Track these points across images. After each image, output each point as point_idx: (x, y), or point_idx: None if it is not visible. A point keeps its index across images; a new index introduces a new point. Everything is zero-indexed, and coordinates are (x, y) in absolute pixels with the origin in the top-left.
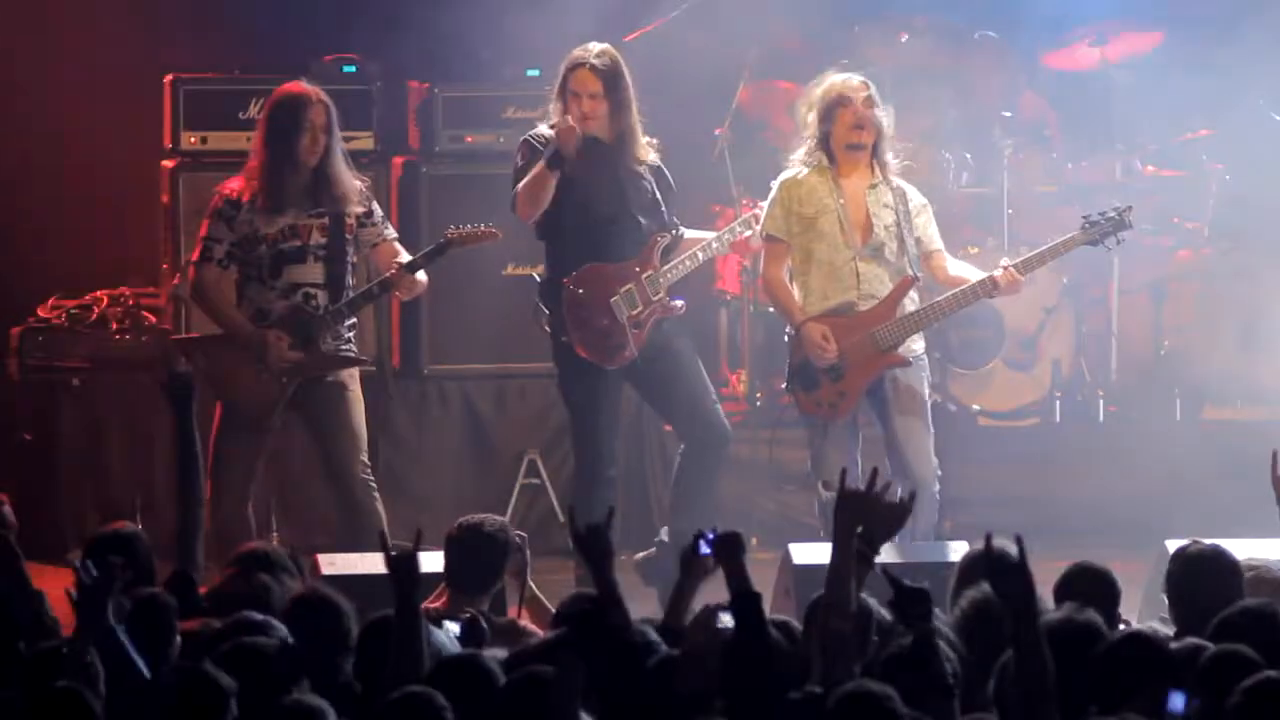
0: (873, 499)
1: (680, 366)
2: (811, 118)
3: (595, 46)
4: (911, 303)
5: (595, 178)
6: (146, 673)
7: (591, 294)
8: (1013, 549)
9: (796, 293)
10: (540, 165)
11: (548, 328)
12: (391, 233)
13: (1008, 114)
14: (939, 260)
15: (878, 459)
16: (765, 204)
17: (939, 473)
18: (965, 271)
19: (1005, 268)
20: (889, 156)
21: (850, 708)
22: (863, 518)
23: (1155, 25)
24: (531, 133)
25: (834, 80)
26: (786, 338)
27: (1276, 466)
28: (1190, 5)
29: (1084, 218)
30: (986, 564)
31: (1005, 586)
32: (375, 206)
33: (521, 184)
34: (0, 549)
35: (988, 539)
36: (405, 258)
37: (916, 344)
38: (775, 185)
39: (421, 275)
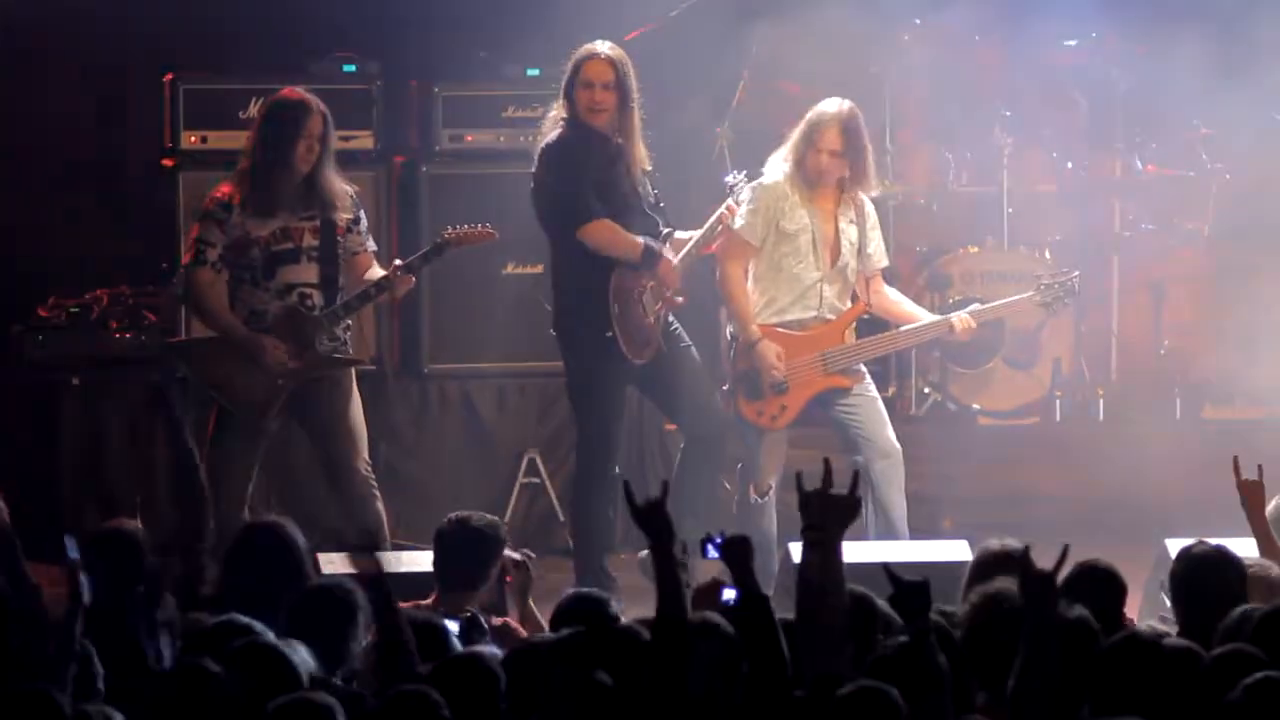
0: (829, 494)
1: (681, 361)
2: (796, 134)
3: (604, 43)
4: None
5: (615, 177)
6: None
7: (630, 292)
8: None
9: (757, 299)
10: (637, 250)
11: (554, 330)
12: (372, 245)
13: (1008, 114)
14: (877, 283)
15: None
16: (744, 204)
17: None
18: (904, 304)
19: (963, 318)
20: (868, 175)
21: (855, 706)
22: (825, 514)
23: (1155, 26)
24: (565, 137)
25: (823, 106)
26: (729, 336)
27: (1239, 471)
28: (1191, 4)
29: (1039, 281)
30: (1021, 569)
31: (1033, 594)
32: (362, 215)
33: (609, 226)
34: None
35: (1064, 550)
36: (378, 273)
37: (860, 368)
38: (757, 190)
39: (411, 276)
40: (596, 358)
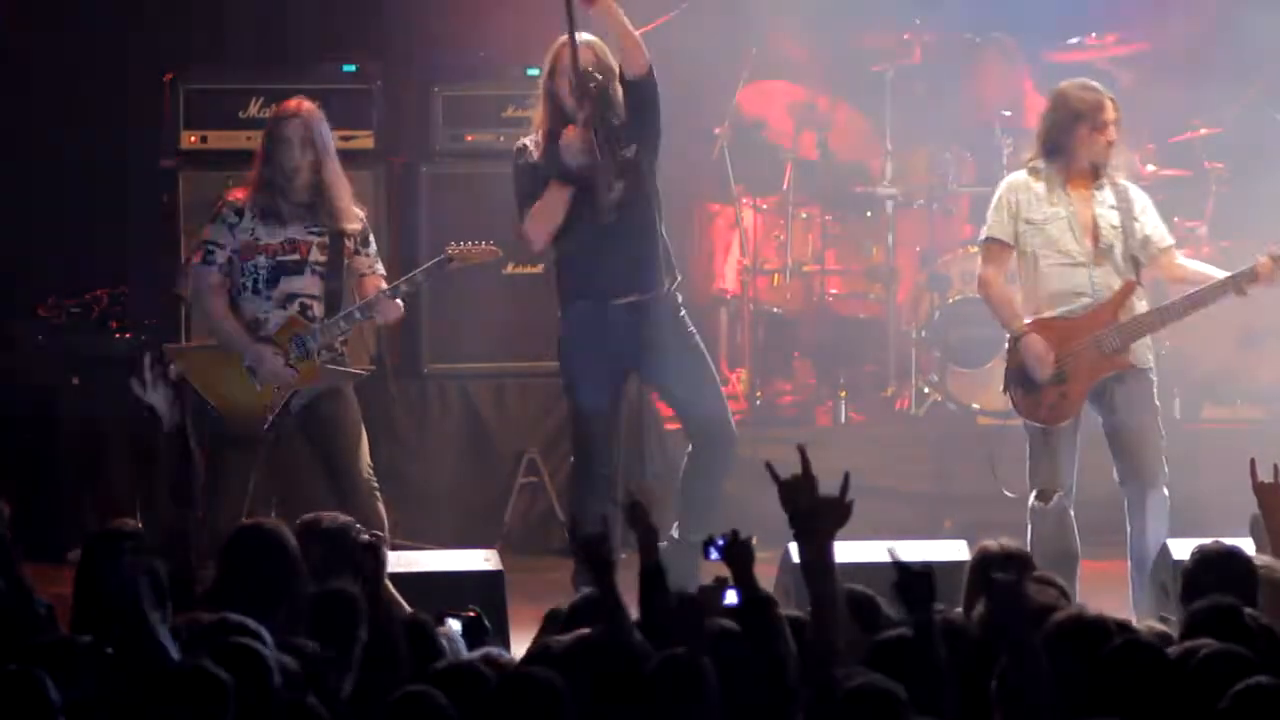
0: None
1: (688, 364)
2: (1046, 125)
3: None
4: (1140, 304)
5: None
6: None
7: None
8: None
9: (1023, 298)
10: (552, 186)
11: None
12: (381, 268)
13: (1008, 113)
14: (1169, 258)
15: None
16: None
17: (1166, 474)
18: (1202, 269)
19: (1263, 260)
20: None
21: (859, 704)
22: (814, 515)
23: (1155, 26)
24: (518, 151)
25: (1087, 95)
26: (1007, 341)
27: (1256, 473)
28: (1190, 3)
29: None
30: (987, 585)
31: (998, 608)
32: (372, 238)
33: (533, 211)
34: None
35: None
36: (385, 288)
37: (1148, 355)
38: (1001, 186)
39: (399, 302)
40: (563, 351)
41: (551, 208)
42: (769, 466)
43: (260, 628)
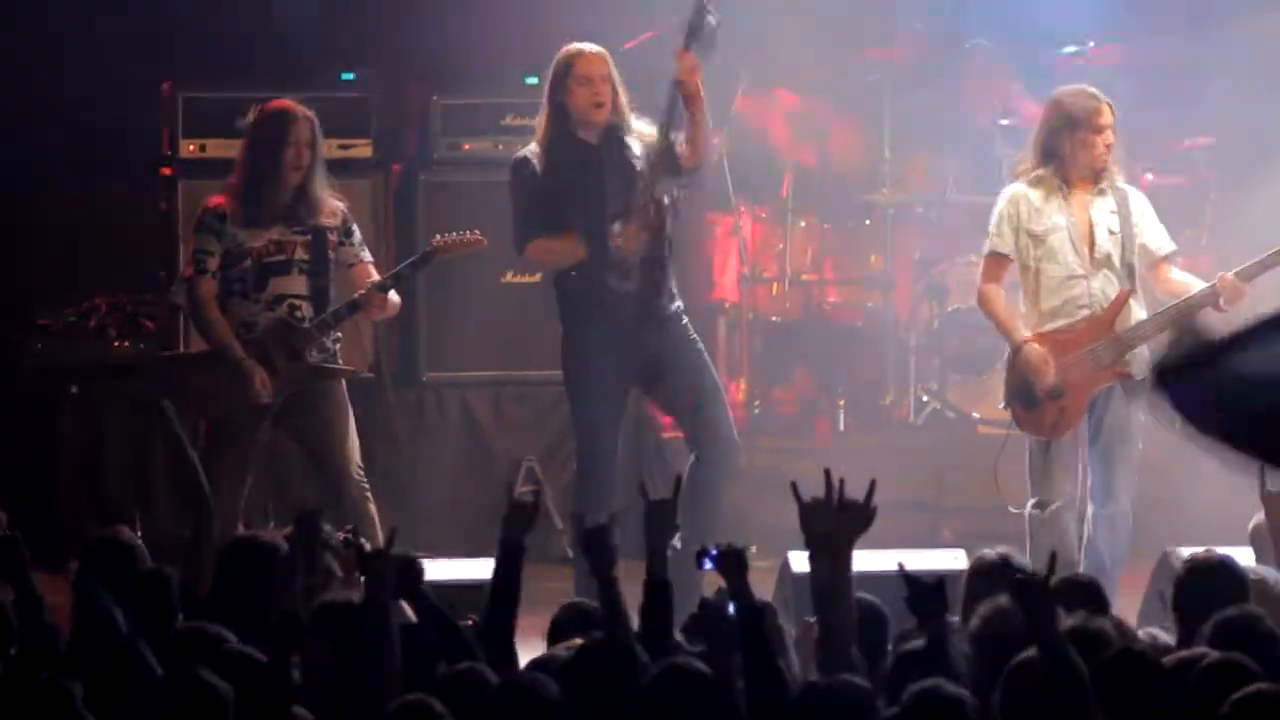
0: (845, 501)
1: (693, 373)
2: (1043, 133)
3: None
4: (1138, 308)
5: (588, 179)
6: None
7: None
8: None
9: (1028, 312)
10: (570, 240)
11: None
12: (367, 255)
13: (1005, 122)
14: (1164, 270)
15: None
16: (991, 219)
17: (1134, 490)
18: (1188, 281)
19: (1223, 276)
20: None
21: (925, 708)
22: (833, 524)
23: (1152, 33)
24: (521, 161)
25: (1082, 100)
26: (1008, 355)
27: (1264, 482)
28: (1189, 11)
29: None
30: (1015, 583)
31: (1028, 605)
32: (354, 227)
33: (543, 245)
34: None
35: (1052, 557)
36: (376, 279)
37: (1143, 364)
38: (1002, 199)
39: (394, 296)
40: (568, 360)
41: (561, 255)
42: (794, 487)
43: (226, 634)
